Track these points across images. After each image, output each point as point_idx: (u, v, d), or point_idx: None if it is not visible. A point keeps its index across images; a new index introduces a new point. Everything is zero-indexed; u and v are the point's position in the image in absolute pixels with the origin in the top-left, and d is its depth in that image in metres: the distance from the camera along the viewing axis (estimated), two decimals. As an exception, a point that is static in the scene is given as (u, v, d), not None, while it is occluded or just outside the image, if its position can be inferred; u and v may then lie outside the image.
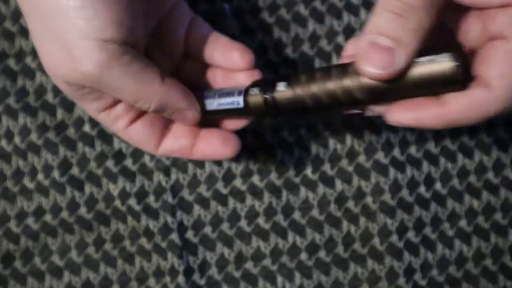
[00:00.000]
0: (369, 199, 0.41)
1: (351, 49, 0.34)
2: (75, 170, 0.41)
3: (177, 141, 0.36)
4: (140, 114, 0.35)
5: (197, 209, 0.41)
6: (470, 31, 0.30)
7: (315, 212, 0.41)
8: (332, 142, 0.41)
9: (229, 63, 0.35)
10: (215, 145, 0.35)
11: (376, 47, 0.28)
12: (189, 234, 0.40)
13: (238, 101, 0.34)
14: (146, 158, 0.41)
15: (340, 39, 0.41)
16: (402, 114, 0.30)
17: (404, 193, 0.41)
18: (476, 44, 0.30)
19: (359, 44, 0.29)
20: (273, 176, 0.41)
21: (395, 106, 0.30)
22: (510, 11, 0.28)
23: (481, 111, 0.28)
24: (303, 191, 0.41)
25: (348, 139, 0.41)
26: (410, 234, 0.41)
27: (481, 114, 0.29)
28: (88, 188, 0.40)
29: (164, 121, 0.36)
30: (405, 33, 0.28)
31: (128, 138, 0.35)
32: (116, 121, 0.34)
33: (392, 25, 0.28)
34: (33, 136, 0.41)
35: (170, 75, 0.34)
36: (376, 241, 0.41)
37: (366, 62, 0.28)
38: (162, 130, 0.36)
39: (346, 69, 0.30)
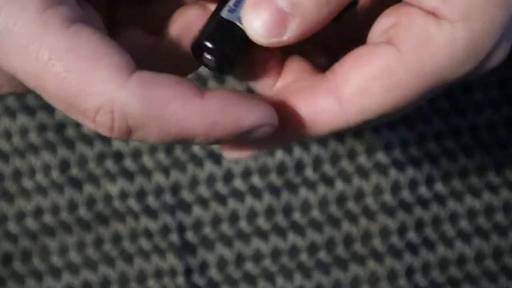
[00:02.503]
0: (369, 199, 0.41)
1: None
2: (73, 170, 0.40)
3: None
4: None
5: (196, 210, 0.40)
6: None
7: (315, 212, 0.41)
8: (332, 142, 0.41)
9: None
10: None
11: (270, 4, 0.21)
12: (189, 235, 0.40)
13: None
14: (145, 158, 0.41)
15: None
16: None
17: (405, 193, 0.41)
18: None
19: None
20: (273, 176, 0.41)
21: None
22: None
23: (389, 80, 0.21)
24: (303, 191, 0.41)
25: (348, 139, 0.41)
26: (411, 235, 0.41)
27: (392, 86, 0.21)
28: (87, 188, 0.40)
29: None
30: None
31: (68, 51, 0.19)
32: (57, 8, 0.20)
33: None
34: (32, 136, 0.41)
35: None
36: (376, 241, 0.40)
37: (251, 13, 0.21)
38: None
39: None
